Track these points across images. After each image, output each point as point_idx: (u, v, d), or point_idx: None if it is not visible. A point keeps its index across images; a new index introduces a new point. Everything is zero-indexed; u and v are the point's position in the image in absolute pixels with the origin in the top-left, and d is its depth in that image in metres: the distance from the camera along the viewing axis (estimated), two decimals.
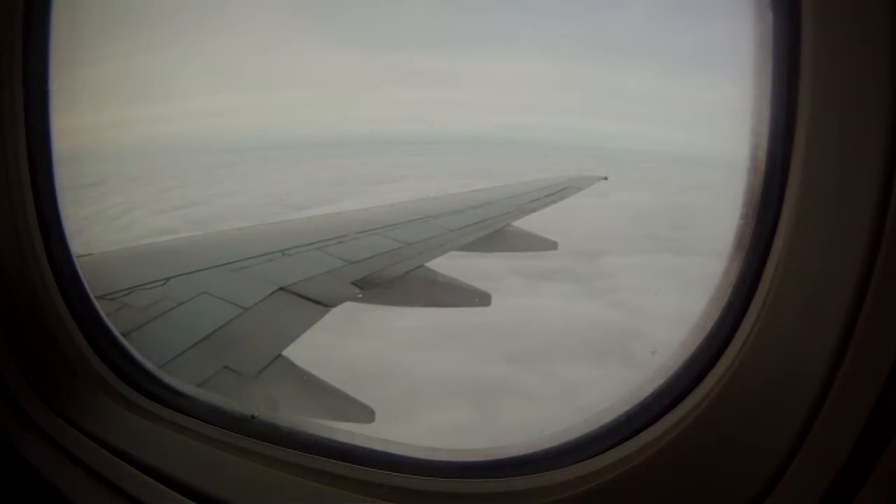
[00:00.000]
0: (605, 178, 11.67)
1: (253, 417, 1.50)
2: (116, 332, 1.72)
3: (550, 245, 7.29)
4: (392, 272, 5.32)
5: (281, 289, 4.56)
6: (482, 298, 5.41)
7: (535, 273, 13.31)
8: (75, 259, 1.67)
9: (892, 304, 0.74)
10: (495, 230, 7.05)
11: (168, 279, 4.38)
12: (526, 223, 7.59)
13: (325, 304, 4.49)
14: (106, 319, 1.71)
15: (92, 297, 1.70)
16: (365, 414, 3.64)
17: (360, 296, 4.80)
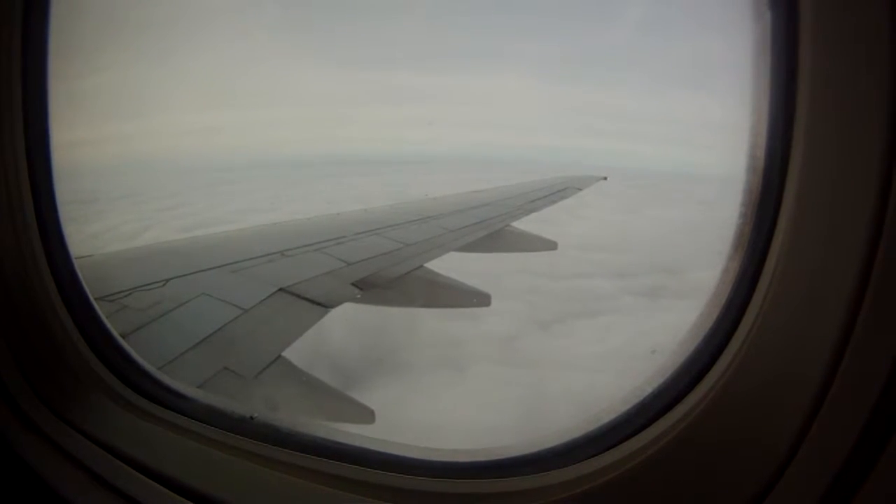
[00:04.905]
0: (605, 179, 11.70)
1: (252, 418, 1.50)
2: (116, 334, 1.72)
3: (550, 245, 7.28)
4: (392, 273, 5.32)
5: (281, 290, 4.55)
6: (481, 299, 5.41)
7: (640, 291, 13.82)
8: (74, 260, 1.67)
9: (891, 302, 0.74)
10: (495, 230, 7.05)
11: (168, 280, 4.38)
12: (530, 223, 7.63)
13: (324, 305, 4.49)
14: (105, 321, 1.71)
15: (91, 298, 1.70)
16: (365, 415, 3.64)
17: (359, 296, 4.80)
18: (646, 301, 13.29)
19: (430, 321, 10.14)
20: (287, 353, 3.79)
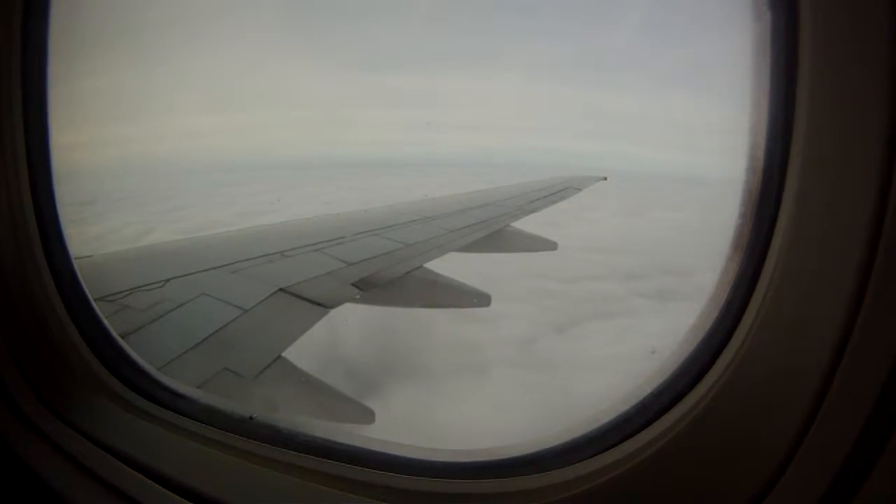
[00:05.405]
0: (605, 179, 11.72)
1: (252, 419, 1.50)
2: (115, 334, 1.72)
3: (550, 245, 7.28)
4: (391, 273, 5.32)
5: (280, 290, 4.55)
6: (481, 299, 5.41)
7: (650, 293, 13.89)
8: (74, 261, 1.67)
9: (890, 303, 0.74)
10: (495, 230, 7.05)
11: (167, 280, 4.37)
12: (534, 226, 7.64)
13: (324, 306, 4.49)
14: (105, 321, 1.71)
15: (91, 298, 1.70)
16: (365, 415, 3.64)
17: (359, 297, 4.80)
18: (657, 303, 13.36)
19: (443, 324, 10.14)
20: (290, 355, 3.79)
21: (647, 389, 1.07)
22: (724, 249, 0.99)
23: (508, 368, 10.40)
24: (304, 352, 4.01)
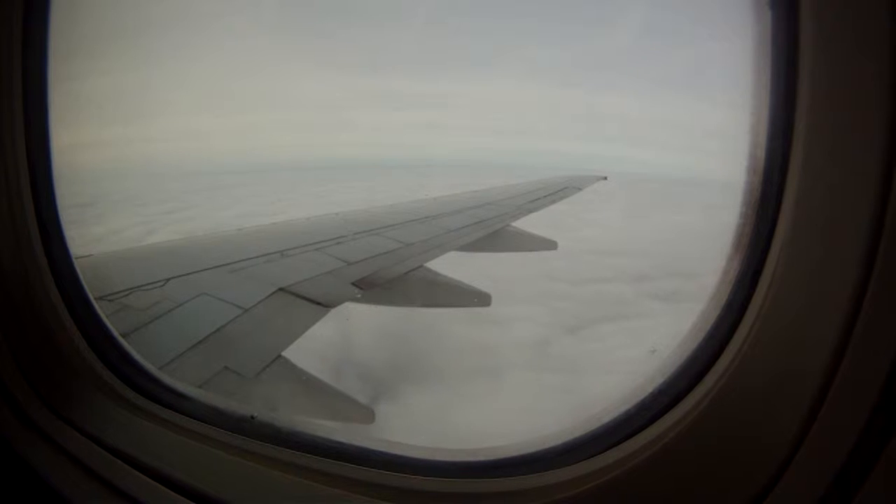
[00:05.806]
0: (605, 178, 11.74)
1: (252, 418, 1.50)
2: (116, 334, 1.72)
3: (550, 245, 7.28)
4: (392, 272, 5.32)
5: (280, 289, 4.56)
6: (481, 299, 5.41)
7: (660, 294, 14.06)
8: (74, 260, 1.67)
9: (891, 302, 0.74)
10: (495, 230, 7.06)
11: (167, 280, 4.38)
12: (539, 227, 7.65)
13: (324, 305, 4.49)
14: (105, 320, 1.71)
15: (91, 298, 1.70)
16: (365, 415, 3.64)
17: (359, 296, 4.80)
18: (667, 305, 13.40)
19: (455, 326, 10.12)
20: (290, 354, 3.80)
21: (648, 389, 1.07)
22: (725, 250, 0.99)
23: (527, 371, 10.38)
24: (304, 351, 4.00)
